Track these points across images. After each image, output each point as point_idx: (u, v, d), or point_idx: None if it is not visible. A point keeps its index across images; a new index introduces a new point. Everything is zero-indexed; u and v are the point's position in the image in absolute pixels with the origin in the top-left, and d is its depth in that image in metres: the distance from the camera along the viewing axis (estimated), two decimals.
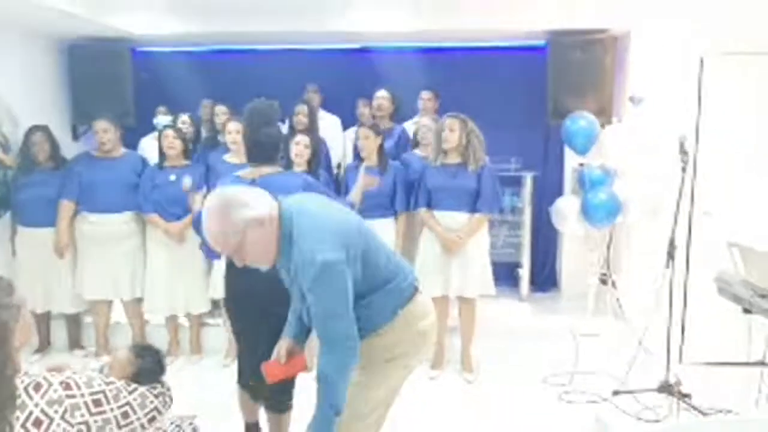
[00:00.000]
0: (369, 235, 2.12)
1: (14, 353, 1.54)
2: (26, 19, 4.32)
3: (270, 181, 2.70)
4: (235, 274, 2.77)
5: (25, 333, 1.58)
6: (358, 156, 4.15)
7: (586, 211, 4.32)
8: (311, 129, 4.36)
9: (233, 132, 3.99)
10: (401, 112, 4.71)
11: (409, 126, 4.90)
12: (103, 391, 1.61)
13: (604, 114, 4.69)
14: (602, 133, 4.52)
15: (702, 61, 3.65)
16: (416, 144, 4.42)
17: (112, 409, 1.62)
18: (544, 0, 4.46)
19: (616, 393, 3.54)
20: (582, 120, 4.39)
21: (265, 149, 2.81)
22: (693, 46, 3.78)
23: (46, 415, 1.50)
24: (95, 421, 1.58)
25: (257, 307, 2.64)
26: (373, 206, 3.96)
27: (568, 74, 4.72)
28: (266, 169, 2.79)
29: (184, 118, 4.78)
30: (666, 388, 3.45)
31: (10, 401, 1.48)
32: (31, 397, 1.51)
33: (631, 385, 3.56)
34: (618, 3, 4.43)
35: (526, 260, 5.27)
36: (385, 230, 3.99)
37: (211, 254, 3.00)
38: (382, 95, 4.59)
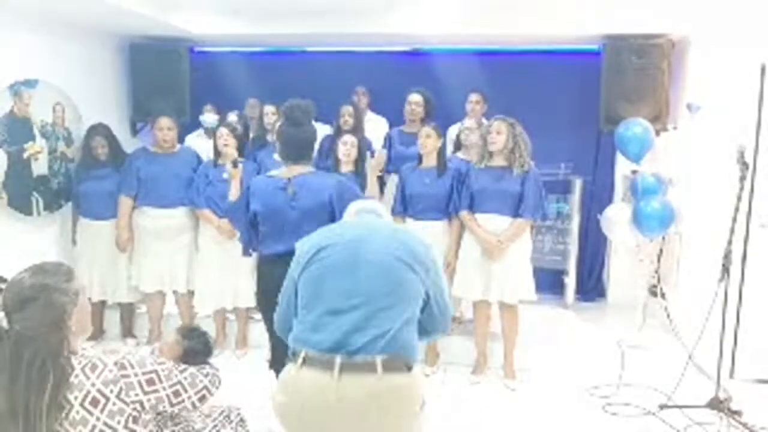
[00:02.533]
0: (340, 267, 2.01)
1: (70, 336, 1.62)
2: (90, 17, 4.50)
3: (303, 181, 2.79)
4: (267, 269, 2.85)
5: (82, 318, 1.67)
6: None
7: (638, 220, 4.22)
8: (357, 129, 4.40)
9: None
10: (434, 115, 4.67)
11: (456, 129, 4.88)
12: (155, 371, 1.67)
13: (660, 121, 4.58)
14: (657, 140, 4.42)
15: (763, 68, 3.52)
16: (459, 147, 4.40)
17: (164, 388, 1.67)
18: (598, 4, 4.39)
19: (663, 407, 3.46)
20: (636, 127, 4.30)
21: (297, 148, 2.86)
22: (754, 53, 3.65)
23: (103, 394, 1.57)
24: (148, 400, 1.64)
25: None
26: (428, 208, 3.97)
27: (622, 79, 4.63)
28: (299, 169, 2.84)
29: (232, 116, 4.87)
30: (716, 404, 3.35)
31: (65, 380, 1.56)
32: (87, 377, 1.58)
33: (678, 400, 3.47)
34: (677, 7, 4.31)
35: (572, 268, 5.19)
36: (440, 233, 3.99)
37: (246, 251, 3.04)
38: (414, 99, 4.58)
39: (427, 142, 3.94)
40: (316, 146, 3.23)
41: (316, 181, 2.82)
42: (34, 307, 1.57)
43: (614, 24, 4.52)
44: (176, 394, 1.70)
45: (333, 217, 2.77)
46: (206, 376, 1.79)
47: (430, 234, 3.97)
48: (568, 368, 4.03)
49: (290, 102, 2.92)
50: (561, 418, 3.50)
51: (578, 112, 5.14)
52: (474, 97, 4.71)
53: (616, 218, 4.39)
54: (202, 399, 1.77)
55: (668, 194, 4.29)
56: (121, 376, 1.60)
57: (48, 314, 1.58)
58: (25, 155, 4.24)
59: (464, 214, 3.90)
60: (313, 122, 2.97)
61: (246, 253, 3.05)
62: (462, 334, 4.35)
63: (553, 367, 4.06)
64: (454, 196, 3.94)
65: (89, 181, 4.38)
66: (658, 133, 4.48)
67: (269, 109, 4.71)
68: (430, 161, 4.00)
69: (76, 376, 1.58)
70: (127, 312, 4.64)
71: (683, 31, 4.49)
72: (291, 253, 2.72)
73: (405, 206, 4.05)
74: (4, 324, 1.56)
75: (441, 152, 4.01)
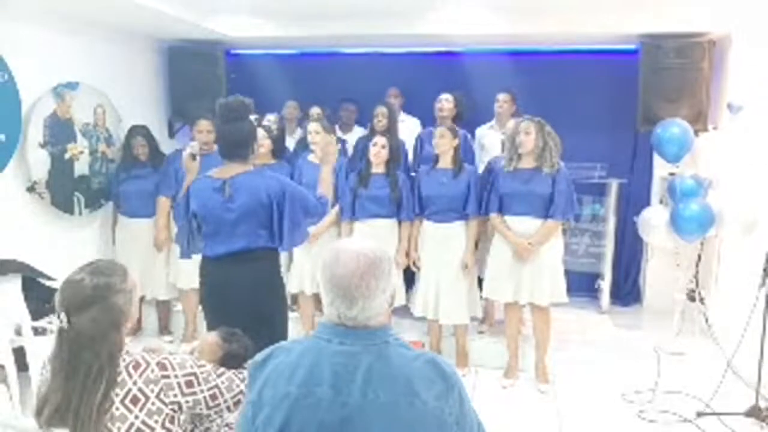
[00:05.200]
0: None
1: (123, 335, 1.67)
2: (131, 21, 4.61)
3: (240, 181, 2.73)
4: (209, 270, 2.84)
5: (133, 316, 1.72)
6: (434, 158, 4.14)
7: (676, 223, 4.13)
8: (391, 131, 4.40)
9: (313, 132, 4.11)
10: (466, 116, 4.64)
11: (484, 130, 4.85)
12: (194, 373, 1.69)
13: (699, 121, 4.49)
14: (696, 141, 4.32)
15: None
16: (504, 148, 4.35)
17: (202, 391, 1.69)
18: (636, 2, 4.32)
19: (700, 414, 3.38)
20: (675, 127, 4.21)
21: (231, 146, 2.77)
22: None
23: (143, 393, 1.60)
24: (186, 402, 1.66)
25: (233, 301, 2.73)
26: (444, 209, 3.95)
27: (660, 79, 4.55)
28: (236, 168, 2.76)
29: (271, 117, 4.91)
30: (755, 412, 3.26)
31: (116, 379, 1.60)
32: (130, 376, 1.61)
33: (717, 408, 3.39)
34: (717, 6, 4.21)
35: (607, 271, 5.11)
36: (457, 234, 3.97)
37: (183, 253, 2.95)
38: (444, 98, 4.57)
39: (441, 142, 3.93)
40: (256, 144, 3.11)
41: (253, 180, 2.75)
42: (97, 308, 1.60)
43: (652, 23, 4.44)
44: (213, 397, 1.72)
45: (271, 217, 2.73)
46: (243, 380, 1.81)
47: (447, 235, 3.97)
48: (603, 373, 3.97)
49: (224, 99, 2.83)
50: (595, 424, 3.44)
51: (615, 112, 5.06)
52: (502, 96, 4.65)
53: (653, 221, 4.31)
54: (238, 403, 1.79)
55: (708, 197, 4.19)
56: (161, 377, 1.63)
57: (109, 315, 1.62)
58: (67, 155, 4.37)
59: (494, 216, 3.87)
60: (250, 119, 2.85)
61: (183, 255, 2.95)
62: (493, 336, 4.32)
63: (587, 372, 4.01)
64: (471, 197, 3.90)
65: (129, 180, 4.49)
66: (697, 133, 4.38)
67: (315, 110, 4.76)
68: (446, 162, 3.98)
69: (120, 373, 1.61)
70: (164, 309, 4.75)
71: (724, 29, 4.38)
72: (230, 255, 2.72)
73: (421, 207, 4.04)
74: (64, 324, 1.59)
75: (457, 152, 3.99)
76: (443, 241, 3.97)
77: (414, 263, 4.09)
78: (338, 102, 5.16)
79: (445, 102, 4.55)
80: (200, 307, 4.60)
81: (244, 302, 2.73)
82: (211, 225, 2.78)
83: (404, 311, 4.43)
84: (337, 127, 5.12)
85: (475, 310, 4.11)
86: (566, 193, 3.71)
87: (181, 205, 2.92)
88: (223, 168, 2.80)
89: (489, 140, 4.70)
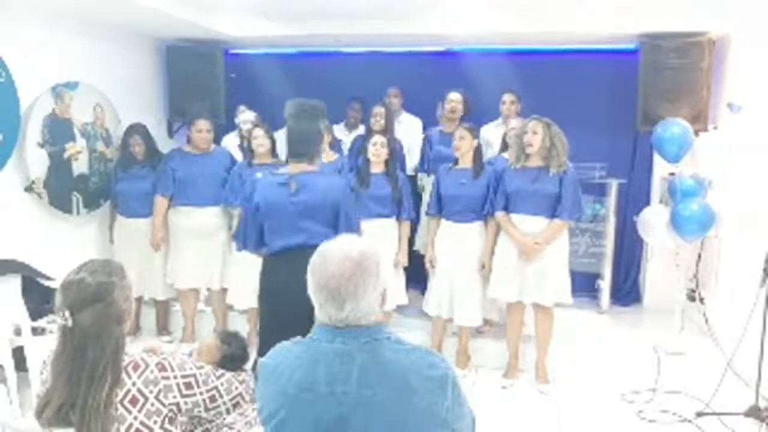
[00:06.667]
0: None
1: (124, 331, 1.67)
2: (129, 20, 4.61)
3: (306, 179, 2.78)
4: (268, 266, 2.87)
5: (130, 313, 1.72)
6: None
7: (676, 223, 4.13)
8: (387, 130, 4.41)
9: None
10: (474, 114, 4.65)
11: (491, 128, 4.85)
12: (194, 375, 1.69)
13: (699, 121, 4.48)
14: (696, 141, 4.32)
15: None
16: (505, 147, 4.36)
17: (201, 393, 1.69)
18: (636, 2, 4.31)
19: (699, 414, 3.38)
20: (675, 127, 4.20)
21: (300, 145, 2.83)
22: None
23: (142, 394, 1.59)
24: (185, 403, 1.65)
25: (288, 299, 2.71)
26: (464, 209, 3.95)
27: (660, 79, 4.55)
28: (302, 167, 2.82)
29: (250, 116, 4.77)
30: (755, 412, 3.26)
31: (119, 377, 1.59)
32: (129, 376, 1.60)
33: (716, 408, 3.38)
34: (717, 5, 4.21)
35: (607, 271, 5.10)
36: (476, 234, 3.97)
37: (238, 246, 3.05)
38: (454, 98, 4.58)
39: (462, 143, 3.92)
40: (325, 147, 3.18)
41: (321, 181, 2.82)
42: (100, 305, 1.60)
43: (652, 22, 4.43)
44: (212, 399, 1.72)
45: (333, 217, 2.77)
46: (242, 383, 1.81)
47: (464, 235, 3.97)
48: (603, 373, 3.96)
49: (297, 100, 2.88)
50: (594, 424, 3.44)
51: (615, 112, 5.05)
52: (508, 97, 4.67)
53: (653, 221, 4.30)
54: (236, 406, 1.79)
55: (708, 196, 4.18)
56: (161, 378, 1.62)
57: (112, 311, 1.62)
58: (66, 155, 4.36)
59: (500, 215, 3.86)
60: (321, 122, 2.91)
61: (238, 248, 3.02)
62: (494, 336, 4.32)
63: (587, 372, 4.00)
64: (490, 197, 3.90)
65: (126, 179, 4.48)
66: (697, 133, 4.38)
67: None
68: (466, 162, 3.97)
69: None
70: (162, 309, 4.74)
71: (724, 29, 4.38)
72: (289, 250, 2.75)
73: (440, 207, 4.03)
74: (68, 322, 1.58)
75: (477, 153, 3.98)
76: (460, 241, 3.96)
77: (430, 262, 4.08)
78: (343, 101, 5.15)
79: (455, 103, 4.57)
80: (199, 309, 4.64)
81: (299, 301, 2.71)
82: (274, 219, 2.81)
83: (405, 311, 4.43)
84: (343, 125, 5.13)
85: (489, 311, 4.11)
86: (574, 193, 3.73)
87: (247, 202, 2.95)
88: (288, 168, 2.87)
89: (496, 138, 4.68)
